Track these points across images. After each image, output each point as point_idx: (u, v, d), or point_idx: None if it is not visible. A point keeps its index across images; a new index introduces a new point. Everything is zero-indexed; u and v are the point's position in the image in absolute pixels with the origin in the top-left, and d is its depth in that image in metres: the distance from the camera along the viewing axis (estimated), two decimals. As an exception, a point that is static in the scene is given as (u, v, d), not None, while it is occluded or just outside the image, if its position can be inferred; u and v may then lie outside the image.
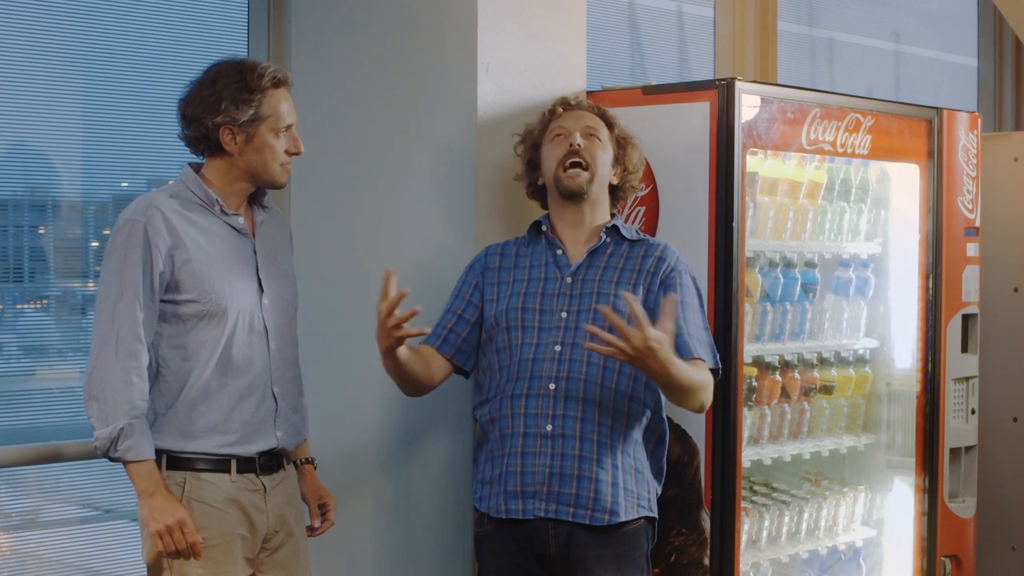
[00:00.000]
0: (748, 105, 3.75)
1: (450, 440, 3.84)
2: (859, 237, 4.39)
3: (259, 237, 3.26)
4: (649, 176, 3.81)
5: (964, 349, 4.52)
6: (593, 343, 3.11)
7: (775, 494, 4.17)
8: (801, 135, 3.96)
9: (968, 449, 4.55)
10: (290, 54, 4.19)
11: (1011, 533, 5.19)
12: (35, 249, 4.06)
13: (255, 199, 3.28)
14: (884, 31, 6.84)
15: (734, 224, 3.70)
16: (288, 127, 3.20)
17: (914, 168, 4.42)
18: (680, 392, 3.24)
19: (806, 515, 4.22)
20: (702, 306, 3.48)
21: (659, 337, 3.07)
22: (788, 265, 4.15)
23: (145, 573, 3.19)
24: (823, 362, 4.33)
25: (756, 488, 4.15)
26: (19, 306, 4.06)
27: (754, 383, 3.97)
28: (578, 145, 3.44)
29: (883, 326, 4.50)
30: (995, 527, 5.05)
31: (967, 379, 4.54)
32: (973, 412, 4.56)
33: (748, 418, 3.93)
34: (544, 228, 3.52)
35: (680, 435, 3.75)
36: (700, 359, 3.33)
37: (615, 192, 3.57)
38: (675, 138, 3.78)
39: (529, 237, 3.54)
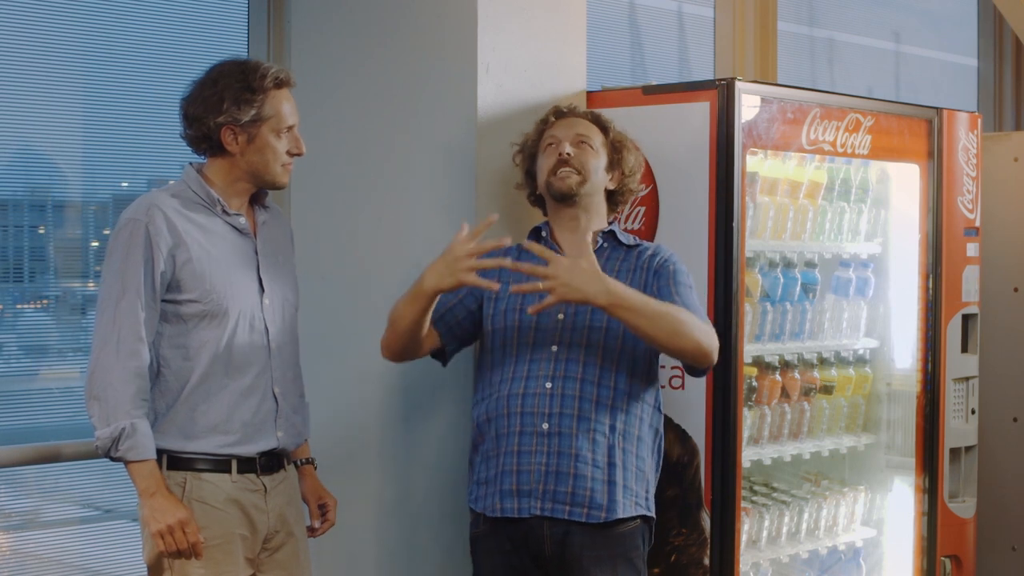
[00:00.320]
0: (748, 105, 3.75)
1: (450, 441, 3.83)
2: (859, 237, 4.39)
3: (260, 237, 3.26)
4: (649, 176, 3.81)
5: (964, 349, 4.52)
6: (532, 304, 3.21)
7: (775, 494, 4.17)
8: (801, 135, 3.96)
9: (968, 449, 4.55)
10: (290, 54, 4.19)
11: (1011, 533, 5.19)
12: (35, 249, 4.06)
13: (257, 199, 3.28)
14: (884, 31, 6.84)
15: (734, 224, 3.70)
16: (290, 128, 3.20)
17: (914, 168, 4.42)
18: (653, 321, 3.20)
19: (806, 515, 4.22)
20: (695, 291, 3.45)
21: (571, 261, 3.16)
22: (788, 265, 4.15)
23: (145, 573, 3.18)
24: (823, 362, 4.33)
25: (756, 488, 4.15)
26: (19, 306, 4.06)
27: (754, 383, 3.97)
28: (567, 154, 3.45)
29: (883, 326, 4.50)
30: (995, 527, 5.05)
31: (967, 379, 4.54)
32: (973, 412, 4.56)
33: (748, 418, 3.93)
34: (544, 234, 3.54)
35: (680, 435, 3.75)
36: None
37: (613, 197, 3.57)
38: (675, 138, 3.78)
39: (530, 240, 3.55)
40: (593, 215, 3.52)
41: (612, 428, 3.36)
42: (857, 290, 4.40)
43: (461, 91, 3.77)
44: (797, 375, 4.18)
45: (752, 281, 3.98)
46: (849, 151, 4.14)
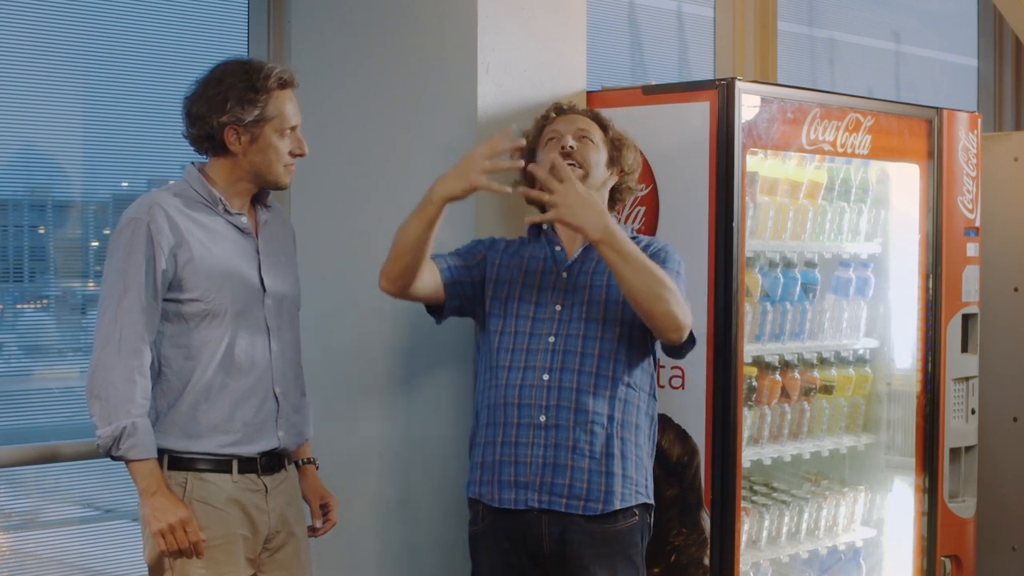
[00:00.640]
0: (748, 105, 3.75)
1: (451, 441, 3.83)
2: (859, 237, 4.39)
3: (262, 236, 3.26)
4: (649, 176, 3.81)
5: (964, 349, 4.52)
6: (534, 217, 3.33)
7: (775, 494, 4.18)
8: (801, 135, 3.96)
9: (968, 449, 4.55)
10: (290, 54, 4.19)
11: (1011, 533, 5.19)
12: (35, 249, 4.06)
13: (258, 199, 3.28)
14: (884, 31, 6.84)
15: (734, 224, 3.70)
16: (293, 128, 3.20)
17: (914, 168, 4.42)
18: (637, 272, 3.22)
19: (806, 515, 4.22)
20: (685, 285, 3.45)
21: (584, 191, 3.26)
22: (788, 265, 4.15)
23: (146, 573, 3.18)
24: (823, 362, 4.33)
25: (756, 488, 4.15)
26: (19, 306, 4.05)
27: (754, 383, 3.97)
28: (570, 147, 3.46)
29: (883, 326, 4.50)
30: (995, 527, 5.05)
31: (967, 379, 4.54)
32: (973, 412, 4.56)
33: (748, 418, 3.93)
34: (544, 227, 3.54)
35: (680, 435, 3.76)
36: None
37: (612, 195, 3.58)
38: (675, 138, 3.78)
39: (530, 237, 3.55)
40: None
41: (610, 419, 3.37)
42: (857, 290, 4.40)
43: (461, 91, 3.77)
44: (797, 375, 4.18)
45: (752, 281, 3.98)
46: (849, 151, 4.14)
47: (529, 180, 3.60)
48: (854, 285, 4.39)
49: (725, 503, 3.72)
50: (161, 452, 3.09)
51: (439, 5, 3.86)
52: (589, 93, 3.96)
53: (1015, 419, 5.18)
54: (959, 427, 4.51)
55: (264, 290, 3.22)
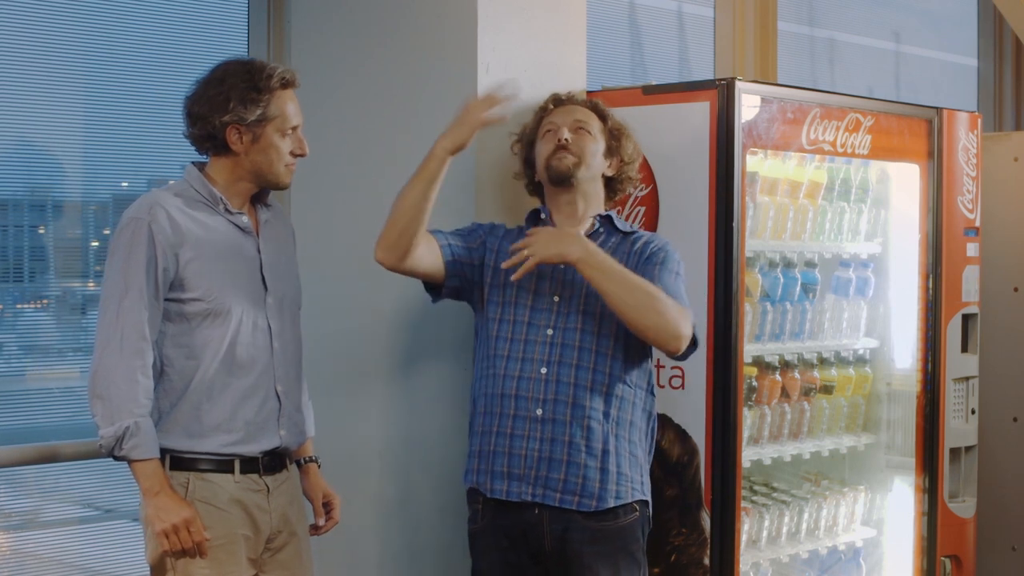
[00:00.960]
0: (748, 105, 3.75)
1: (451, 440, 3.83)
2: (859, 237, 4.39)
3: (263, 236, 3.26)
4: (649, 176, 3.81)
5: (964, 349, 4.52)
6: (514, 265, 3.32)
7: (775, 494, 4.17)
8: (801, 135, 3.96)
9: (968, 449, 4.55)
10: (290, 54, 4.19)
11: (1011, 533, 5.19)
12: (35, 249, 4.06)
13: (259, 198, 3.28)
14: (884, 31, 6.84)
15: (734, 224, 3.70)
16: (294, 128, 3.20)
17: (914, 168, 4.42)
18: (622, 289, 3.23)
19: (806, 515, 4.22)
20: (685, 284, 3.44)
21: (553, 229, 3.34)
22: (788, 265, 4.15)
23: (146, 573, 3.18)
24: (823, 362, 4.33)
25: (756, 488, 4.15)
26: (19, 306, 4.05)
27: (754, 383, 3.97)
28: (565, 140, 3.47)
29: (883, 326, 4.50)
30: (995, 527, 5.05)
31: (967, 379, 4.54)
32: (973, 412, 4.56)
33: (748, 418, 3.93)
34: (543, 216, 3.54)
35: (680, 435, 3.75)
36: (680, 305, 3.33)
37: (611, 185, 3.58)
38: (675, 138, 3.78)
39: (528, 225, 3.56)
40: (591, 201, 3.53)
41: (606, 415, 3.36)
42: (857, 290, 4.40)
43: (461, 91, 3.76)
44: (797, 375, 4.18)
45: (752, 281, 3.98)
46: (849, 151, 4.14)
47: (529, 168, 3.59)
48: (854, 285, 4.39)
49: (725, 503, 3.72)
50: (163, 452, 3.09)
51: (439, 5, 3.86)
52: (589, 93, 3.96)
53: (1015, 419, 5.18)
54: (959, 427, 4.51)
55: (266, 289, 3.22)
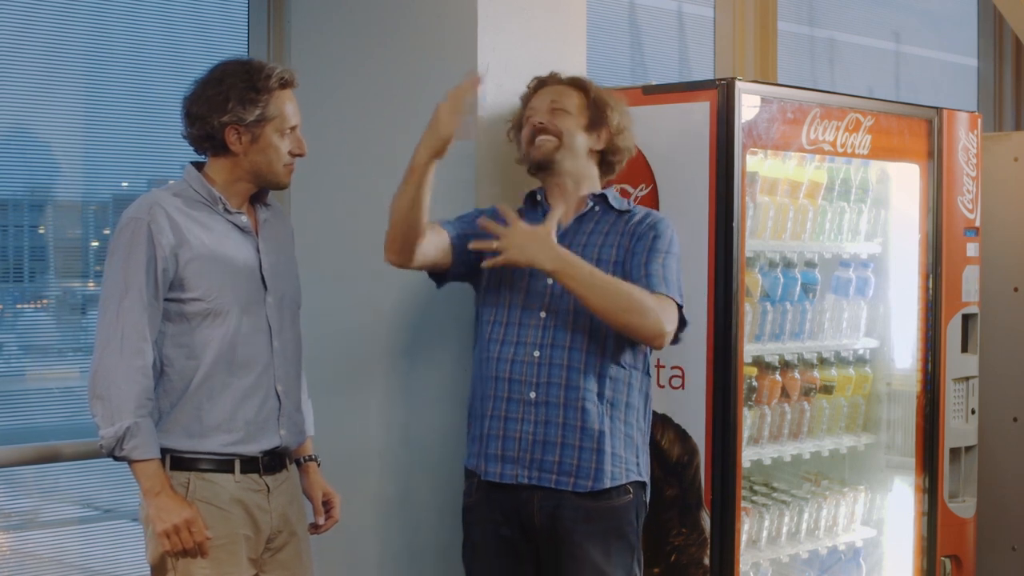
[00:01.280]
0: (748, 105, 3.75)
1: (451, 440, 3.83)
2: (859, 237, 4.39)
3: (262, 235, 3.26)
4: (649, 176, 3.80)
5: (964, 349, 4.52)
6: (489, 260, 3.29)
7: (775, 494, 4.17)
8: (801, 135, 3.96)
9: (968, 449, 4.55)
10: (290, 54, 4.19)
11: (1011, 533, 5.19)
12: (35, 249, 4.06)
13: (258, 198, 3.28)
14: (884, 31, 6.84)
15: (734, 224, 3.70)
16: (293, 128, 3.20)
17: (914, 168, 4.42)
18: (599, 294, 3.23)
19: (806, 515, 4.22)
20: (678, 258, 3.43)
21: (528, 228, 3.23)
22: (788, 265, 4.15)
23: (146, 573, 3.18)
24: (823, 362, 4.33)
25: (756, 488, 4.15)
26: (19, 306, 4.06)
27: (754, 383, 3.97)
28: (540, 124, 3.46)
29: (883, 326, 4.50)
30: (995, 527, 5.05)
31: (967, 379, 4.54)
32: (973, 412, 4.56)
33: (748, 418, 3.93)
34: (539, 197, 3.54)
35: (680, 435, 3.75)
36: (658, 293, 3.31)
37: (605, 159, 3.54)
38: (675, 138, 3.78)
39: (526, 206, 3.56)
40: (582, 179, 3.51)
41: (600, 396, 3.36)
42: (857, 290, 4.40)
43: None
44: (797, 375, 4.18)
45: (752, 281, 3.97)
46: (849, 151, 4.14)
47: (529, 164, 3.57)
48: (854, 285, 4.39)
49: (725, 503, 3.72)
50: (164, 452, 3.09)
51: (439, 5, 3.86)
52: (589, 93, 3.96)
53: (1015, 419, 5.18)
54: (959, 427, 4.51)
55: (265, 288, 3.22)
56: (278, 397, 3.22)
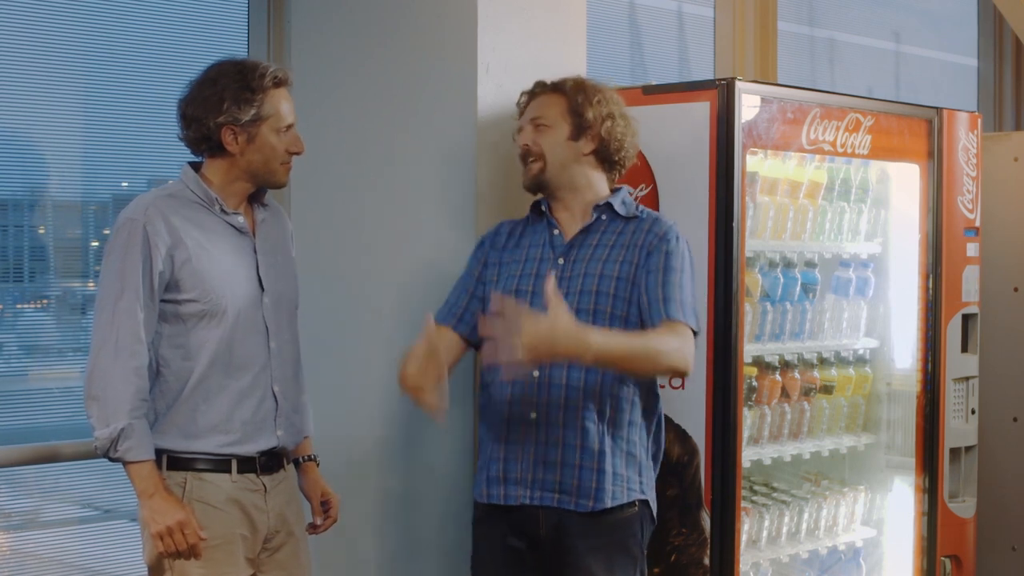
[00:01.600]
0: (748, 105, 3.75)
1: (451, 440, 3.83)
2: (859, 237, 4.39)
3: (259, 235, 3.26)
4: (649, 176, 3.81)
5: (964, 349, 4.52)
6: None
7: (775, 494, 4.17)
8: (801, 135, 3.96)
9: (968, 449, 4.55)
10: (290, 54, 4.19)
11: (1011, 533, 5.19)
12: (35, 249, 4.06)
13: (255, 198, 3.28)
14: (884, 31, 6.84)
15: (734, 224, 3.70)
16: (289, 127, 3.20)
17: (914, 168, 4.42)
18: (635, 364, 3.22)
19: (806, 515, 4.22)
20: (692, 272, 3.40)
21: (547, 326, 3.00)
22: (788, 265, 4.15)
23: (145, 573, 3.18)
24: (823, 362, 4.33)
25: (756, 488, 4.15)
26: (19, 306, 4.06)
27: (754, 383, 3.97)
28: (526, 145, 3.44)
29: (883, 326, 4.50)
30: (995, 527, 5.05)
31: (967, 379, 4.54)
32: (973, 412, 4.56)
33: (748, 418, 3.93)
34: (544, 208, 3.50)
35: (680, 435, 3.75)
36: (675, 320, 3.27)
37: (605, 156, 3.46)
38: (675, 138, 3.78)
39: (532, 217, 3.53)
40: (581, 189, 3.45)
41: (601, 414, 3.34)
42: (857, 290, 4.40)
43: (461, 91, 3.77)
44: (797, 375, 4.18)
45: (752, 281, 3.97)
46: (849, 151, 4.14)
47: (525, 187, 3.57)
48: (854, 285, 4.39)
49: (725, 503, 3.72)
50: (160, 452, 3.09)
51: (439, 5, 3.86)
52: (589, 93, 3.96)
53: (1015, 419, 5.18)
54: (959, 427, 4.51)
55: (262, 289, 3.22)
56: (275, 398, 3.22)
